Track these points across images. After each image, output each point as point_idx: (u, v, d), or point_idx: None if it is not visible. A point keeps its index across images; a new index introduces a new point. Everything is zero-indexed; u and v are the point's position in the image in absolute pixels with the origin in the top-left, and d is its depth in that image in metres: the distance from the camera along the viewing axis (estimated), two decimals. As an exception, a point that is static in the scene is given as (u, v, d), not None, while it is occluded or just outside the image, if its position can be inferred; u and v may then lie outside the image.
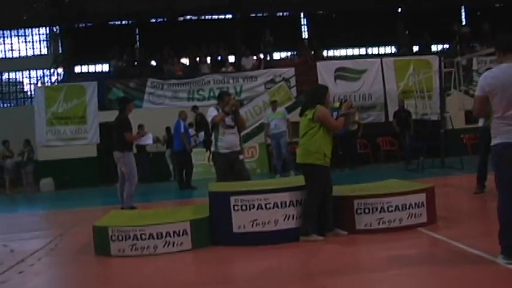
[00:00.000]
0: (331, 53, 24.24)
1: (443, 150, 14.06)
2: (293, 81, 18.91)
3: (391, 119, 17.64)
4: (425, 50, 22.28)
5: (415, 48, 23.34)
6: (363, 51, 24.77)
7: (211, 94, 18.57)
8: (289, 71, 19.17)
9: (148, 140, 11.47)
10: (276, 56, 23.00)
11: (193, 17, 23.69)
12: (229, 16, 23.97)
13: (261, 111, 18.16)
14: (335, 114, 6.89)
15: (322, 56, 22.95)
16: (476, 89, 5.27)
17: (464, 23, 25.11)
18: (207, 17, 23.90)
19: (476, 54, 18.60)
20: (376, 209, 6.88)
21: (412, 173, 13.83)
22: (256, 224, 6.66)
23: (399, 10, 24.91)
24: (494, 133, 5.17)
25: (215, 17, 24.04)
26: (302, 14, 24.48)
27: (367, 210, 6.87)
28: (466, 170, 12.55)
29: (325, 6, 24.16)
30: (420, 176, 12.80)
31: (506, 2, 25.85)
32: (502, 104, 5.03)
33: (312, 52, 22.85)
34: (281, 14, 24.66)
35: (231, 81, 19.16)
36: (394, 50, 24.33)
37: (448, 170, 13.84)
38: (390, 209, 6.88)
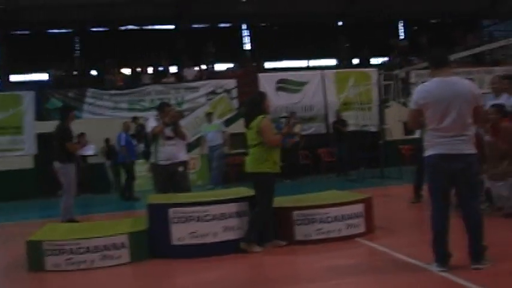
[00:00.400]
0: (272, 64, 24.35)
1: (382, 160, 14.34)
2: (235, 93, 18.88)
3: (332, 130, 17.94)
4: (365, 63, 22.68)
5: (356, 61, 23.73)
6: (304, 63, 25.02)
7: (153, 105, 18.36)
8: (231, 83, 19.14)
9: (89, 150, 11.21)
10: (218, 67, 23.00)
11: (135, 27, 23.45)
12: (171, 27, 23.82)
13: (202, 122, 18.07)
14: (276, 125, 6.94)
15: (264, 67, 23.05)
16: (410, 102, 5.41)
17: (402, 37, 25.70)
18: (149, 27, 23.68)
19: (414, 67, 19.10)
20: (315, 219, 6.95)
21: (353, 183, 14.04)
22: (196, 236, 6.60)
23: (340, 24, 25.32)
24: (427, 145, 5.32)
25: (157, 27, 23.83)
26: (244, 26, 24.55)
27: (306, 221, 6.92)
28: (405, 179, 12.81)
29: (267, 19, 24.31)
30: (360, 186, 13.00)
31: (441, 18, 26.77)
32: (435, 116, 5.18)
33: (254, 64, 22.92)
34: (223, 25, 24.66)
35: (172, 91, 18.98)
36: (335, 62, 24.65)
37: (387, 180, 14.12)
38: (329, 219, 6.95)
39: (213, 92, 19.11)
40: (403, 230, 7.66)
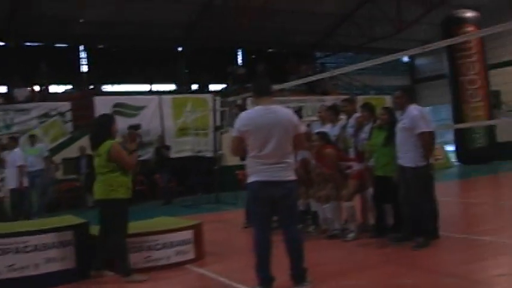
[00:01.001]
0: (111, 88, 23.84)
1: (217, 186, 14.48)
2: (69, 116, 18.15)
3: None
4: (204, 89, 22.97)
5: (195, 87, 23.97)
6: (143, 87, 24.78)
7: (-21, 127, 17.24)
8: (65, 105, 18.30)
9: None
10: (54, 89, 22.08)
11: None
12: (1, 43, 22.48)
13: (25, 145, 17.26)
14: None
15: (102, 91, 22.47)
16: (233, 130, 5.51)
17: (240, 65, 26.41)
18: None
19: (250, 94, 19.58)
20: (143, 247, 6.81)
21: (188, 209, 14.01)
22: (14, 269, 6.18)
23: (180, 49, 25.47)
24: (249, 171, 5.44)
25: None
26: (82, 47, 23.83)
27: (134, 249, 6.75)
28: (239, 205, 12.94)
29: (106, 41, 23.81)
30: (196, 212, 13.02)
31: (278, 48, 28.00)
32: (256, 144, 5.32)
33: (91, 86, 22.27)
34: (59, 45, 23.73)
35: (0, 113, 17.86)
36: (174, 87, 24.68)
37: (222, 205, 14.25)
38: (157, 246, 6.86)
39: (46, 115, 18.22)
40: (233, 255, 7.74)
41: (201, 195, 15.31)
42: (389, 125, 7.56)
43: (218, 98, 17.87)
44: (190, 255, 7.14)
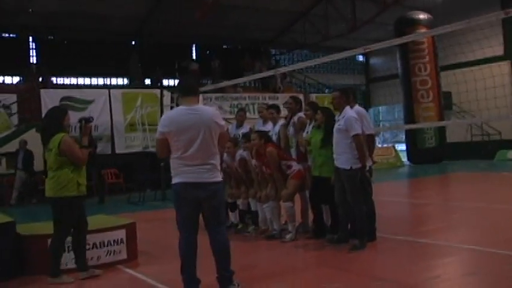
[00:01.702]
0: (61, 80, 23.26)
1: (163, 182, 14.26)
2: (14, 108, 17.63)
3: (117, 150, 17.54)
4: (156, 84, 22.69)
5: (148, 81, 23.65)
6: (95, 81, 24.28)
7: None
8: (11, 97, 17.76)
9: None
10: (1, 80, 21.51)
11: None
12: None
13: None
14: None
15: (52, 83, 21.92)
16: (157, 132, 5.35)
17: (194, 60, 26.12)
18: None
19: (202, 90, 19.40)
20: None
21: (134, 206, 13.79)
22: None
23: (133, 43, 25.08)
24: (173, 172, 5.30)
25: None
26: (31, 38, 23.20)
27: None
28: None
29: (57, 32, 23.19)
30: (141, 209, 12.85)
31: (233, 44, 27.84)
32: (179, 145, 5.19)
33: (40, 79, 21.69)
34: (7, 35, 23.04)
35: None
36: (126, 81, 24.28)
37: (169, 202, 14.03)
38: (87, 246, 6.63)
39: (-10, 107, 17.74)
40: (166, 256, 7.50)
41: (149, 191, 15.11)
42: (326, 125, 7.49)
43: (168, 93, 17.62)
44: (123, 256, 6.95)
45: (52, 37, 23.55)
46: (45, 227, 6.93)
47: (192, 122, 5.17)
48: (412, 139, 23.70)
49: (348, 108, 7.27)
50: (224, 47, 27.97)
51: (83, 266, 6.37)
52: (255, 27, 26.04)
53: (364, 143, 7.24)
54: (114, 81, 24.44)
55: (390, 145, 27.21)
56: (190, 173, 5.16)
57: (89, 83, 23.84)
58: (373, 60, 31.82)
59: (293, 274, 6.26)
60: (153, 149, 15.99)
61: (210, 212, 5.28)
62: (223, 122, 5.49)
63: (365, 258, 6.77)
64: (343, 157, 7.09)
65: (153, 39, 24.26)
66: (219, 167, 5.38)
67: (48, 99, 17.12)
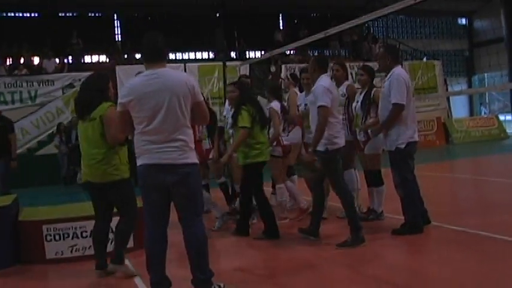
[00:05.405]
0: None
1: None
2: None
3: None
4: (242, 57, 22.02)
5: (233, 54, 23.04)
6: (180, 55, 23.91)
7: (2, 99, 17.00)
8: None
9: None
10: (88, 59, 21.71)
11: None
12: (35, 14, 22.16)
13: (54, 117, 16.93)
14: None
15: (136, 59, 21.81)
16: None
17: (281, 30, 25.12)
18: (10, 14, 21.89)
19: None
20: (68, 235, 6.02)
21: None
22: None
23: (217, 15, 24.46)
24: (137, 152, 4.40)
25: (20, 14, 22.07)
26: (115, 16, 23.23)
27: (57, 237, 6.00)
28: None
29: (141, 9, 23.05)
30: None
31: (321, 12, 26.38)
32: (141, 116, 4.29)
33: (126, 56, 21.67)
34: (93, 14, 23.18)
35: (24, 84, 17.52)
36: (211, 55, 23.78)
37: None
38: (84, 234, 6.05)
39: (70, 85, 17.88)
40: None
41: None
42: None
43: (245, 66, 16.90)
44: (129, 244, 6.27)
45: (136, 14, 23.42)
46: (36, 213, 6.44)
47: (156, 88, 4.26)
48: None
49: (395, 68, 6.39)
50: (312, 15, 26.61)
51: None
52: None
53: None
54: (198, 55, 24.00)
55: (492, 115, 24.77)
56: (156, 152, 4.26)
57: (174, 58, 23.51)
58: (478, 23, 29.15)
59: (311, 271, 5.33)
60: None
61: (181, 200, 4.37)
62: (198, 88, 4.47)
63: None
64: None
65: (239, 9, 23.50)
66: (192, 145, 4.41)
67: (123, 76, 17.04)
